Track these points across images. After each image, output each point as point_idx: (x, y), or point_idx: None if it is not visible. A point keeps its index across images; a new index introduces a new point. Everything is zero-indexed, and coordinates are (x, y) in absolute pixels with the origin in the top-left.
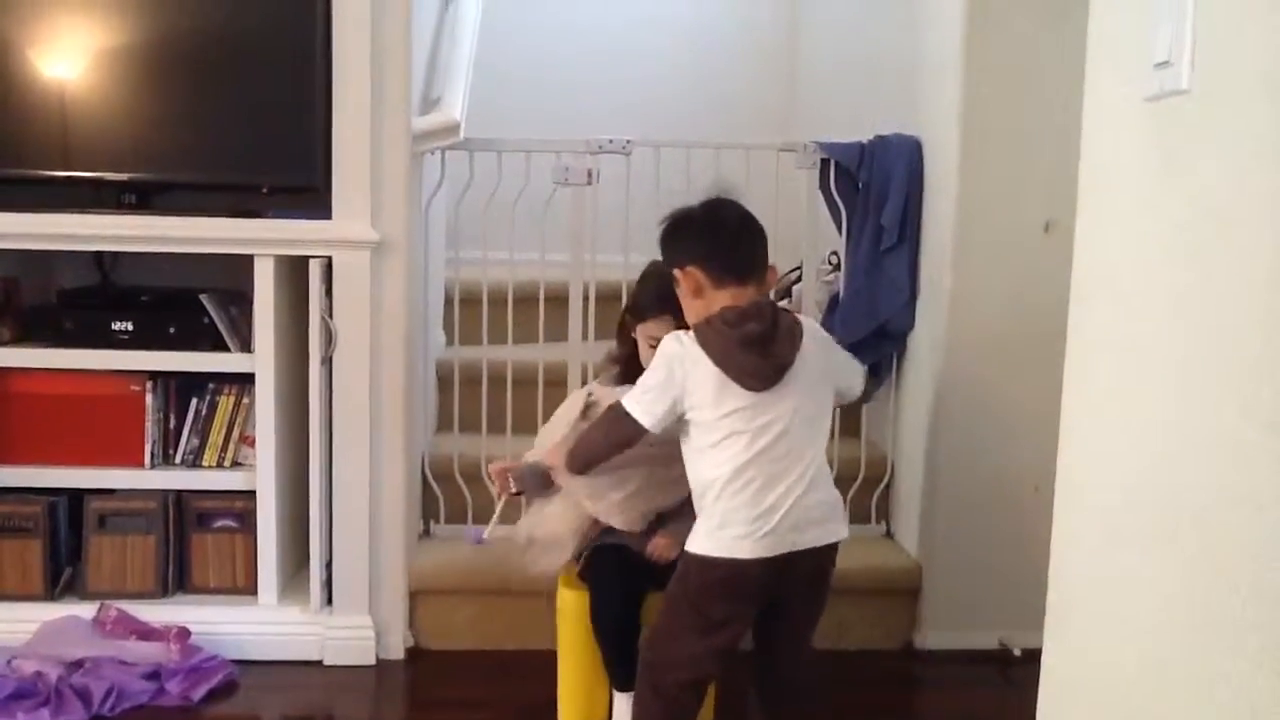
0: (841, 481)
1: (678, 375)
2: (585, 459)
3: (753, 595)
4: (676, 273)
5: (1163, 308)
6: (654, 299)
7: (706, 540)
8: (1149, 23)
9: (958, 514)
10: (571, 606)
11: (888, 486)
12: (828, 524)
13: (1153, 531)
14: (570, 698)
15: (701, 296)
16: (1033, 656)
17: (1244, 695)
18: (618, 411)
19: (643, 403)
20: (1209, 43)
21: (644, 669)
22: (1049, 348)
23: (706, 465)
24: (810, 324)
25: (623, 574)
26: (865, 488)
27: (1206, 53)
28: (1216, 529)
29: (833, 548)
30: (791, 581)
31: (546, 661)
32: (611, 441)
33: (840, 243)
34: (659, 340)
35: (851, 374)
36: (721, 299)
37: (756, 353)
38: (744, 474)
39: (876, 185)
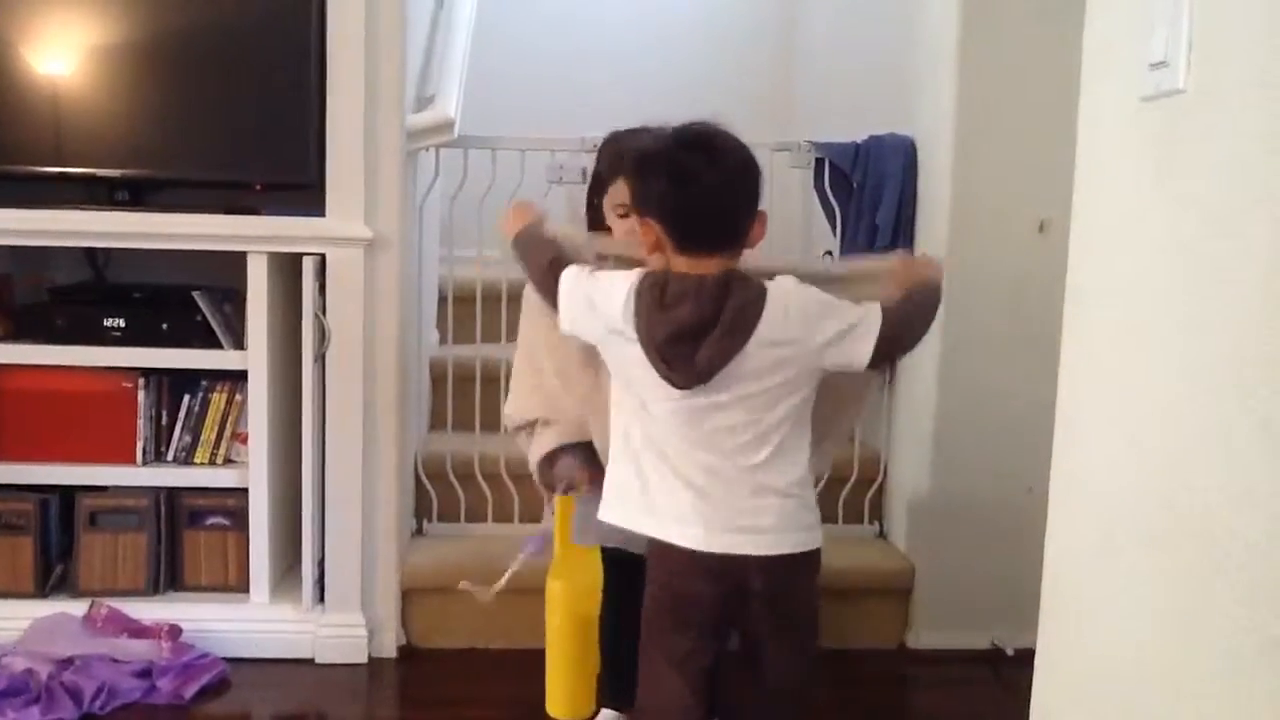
0: (834, 482)
1: (615, 315)
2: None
3: (702, 603)
4: (635, 220)
5: (1158, 307)
6: (606, 166)
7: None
8: (1145, 22)
9: (950, 514)
10: (558, 597)
11: (881, 487)
12: (783, 533)
13: (1148, 531)
14: (557, 690)
15: (661, 252)
16: (1026, 656)
17: (1240, 696)
18: (558, 275)
19: (573, 290)
20: (1205, 42)
21: None
22: (1043, 347)
23: (628, 428)
24: (791, 294)
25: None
26: (858, 488)
27: (1203, 52)
28: (1213, 528)
29: (792, 567)
30: (745, 597)
31: (539, 660)
32: (540, 280)
33: (834, 242)
34: (626, 208)
35: (853, 342)
36: (680, 265)
37: (683, 350)
38: (688, 464)
39: (871, 185)
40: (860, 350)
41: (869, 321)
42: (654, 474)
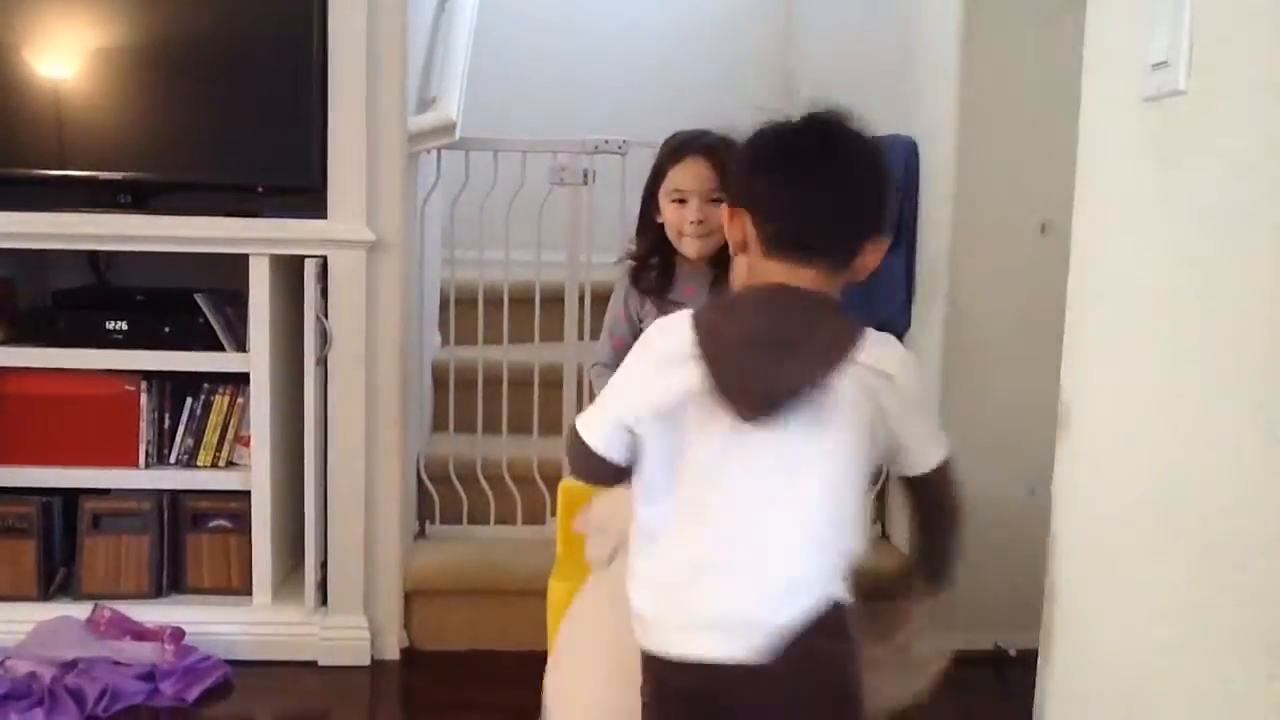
0: None
1: (646, 370)
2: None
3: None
4: (724, 207)
5: (1160, 309)
6: (666, 155)
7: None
8: (1146, 23)
9: None
10: (561, 600)
11: (883, 489)
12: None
13: (1151, 534)
14: None
15: (745, 253)
16: (1029, 657)
17: (1243, 700)
18: (571, 433)
19: (592, 412)
20: (1206, 43)
21: None
22: (1045, 348)
23: (654, 527)
24: (890, 351)
25: None
26: None
27: (1204, 53)
28: (1216, 532)
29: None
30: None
31: (541, 662)
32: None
33: None
34: (683, 195)
35: (924, 441)
36: (769, 273)
37: (763, 358)
38: (710, 551)
39: None
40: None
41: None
42: None
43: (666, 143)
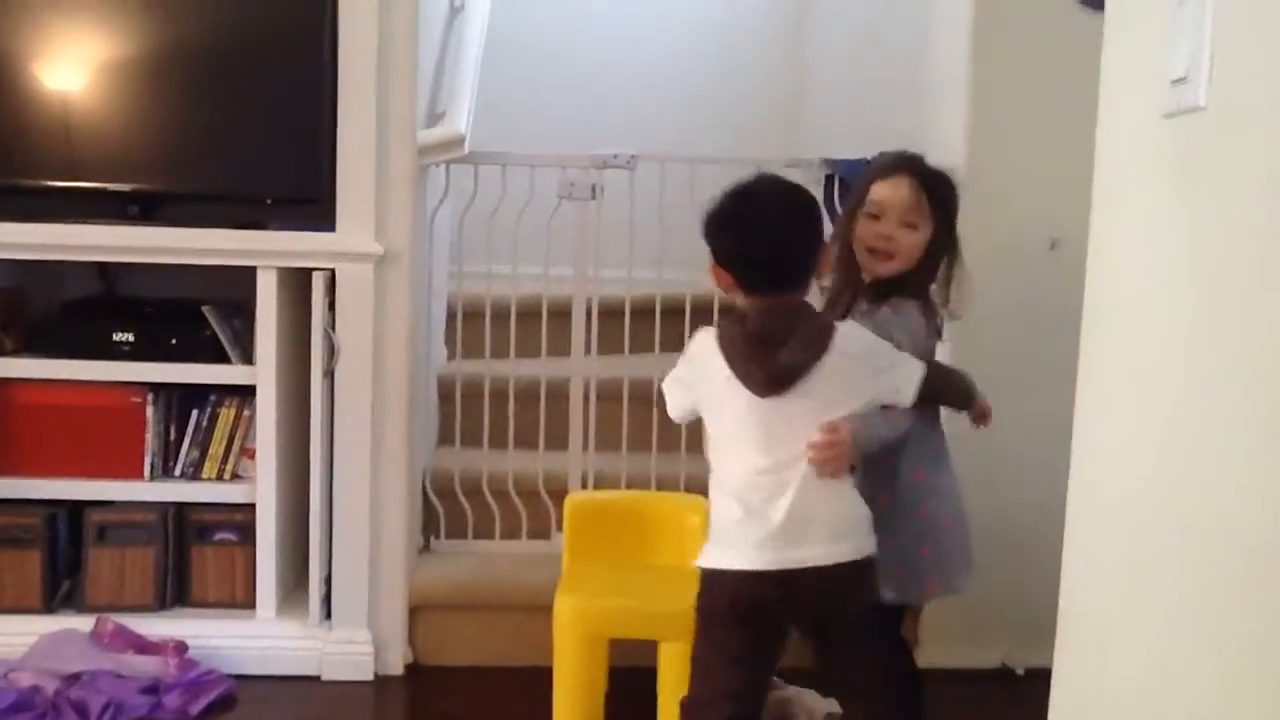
0: None
1: (695, 373)
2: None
3: (760, 621)
4: (711, 266)
5: (1178, 326)
6: (890, 159)
7: (710, 551)
8: (1166, 38)
9: None
10: (567, 615)
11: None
12: (837, 543)
13: (1169, 549)
14: (565, 708)
15: (734, 294)
16: (1036, 676)
17: (1261, 714)
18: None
19: (669, 389)
20: (1226, 59)
21: (683, 712)
22: (1053, 365)
23: (717, 472)
24: (852, 331)
25: None
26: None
27: (1224, 69)
28: (1234, 546)
29: (845, 575)
30: (801, 610)
31: (546, 678)
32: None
33: None
34: (880, 209)
35: (896, 380)
36: (755, 304)
37: (760, 352)
38: (748, 483)
39: None
40: (904, 386)
41: (912, 365)
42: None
43: (876, 159)
